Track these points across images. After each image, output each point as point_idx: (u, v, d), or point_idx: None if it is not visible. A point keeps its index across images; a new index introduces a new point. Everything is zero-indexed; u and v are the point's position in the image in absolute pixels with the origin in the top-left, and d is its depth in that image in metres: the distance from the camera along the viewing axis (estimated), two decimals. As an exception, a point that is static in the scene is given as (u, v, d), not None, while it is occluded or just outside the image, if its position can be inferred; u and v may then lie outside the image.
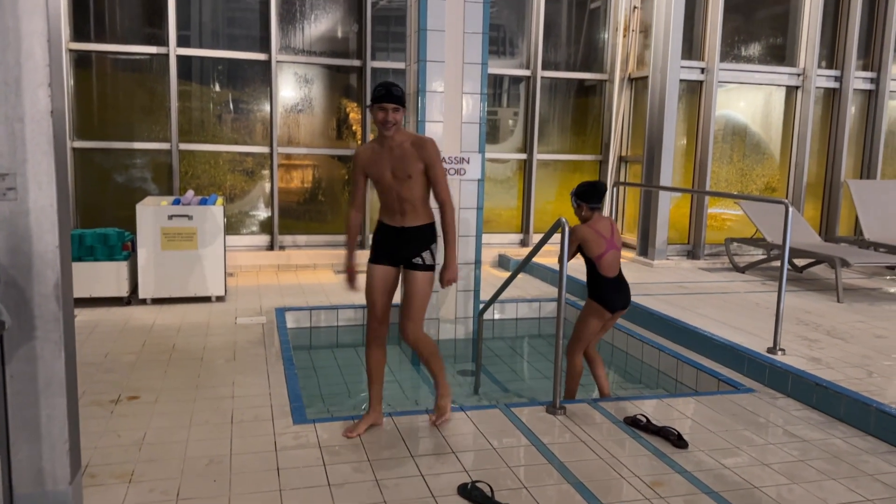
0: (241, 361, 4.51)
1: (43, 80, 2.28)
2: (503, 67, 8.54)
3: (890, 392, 3.91)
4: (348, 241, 3.62)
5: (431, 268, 3.50)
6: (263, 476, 2.99)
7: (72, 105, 7.25)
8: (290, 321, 5.63)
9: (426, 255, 3.48)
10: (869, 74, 8.68)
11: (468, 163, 5.51)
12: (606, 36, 8.80)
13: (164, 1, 7.30)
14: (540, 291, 6.69)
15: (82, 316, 5.50)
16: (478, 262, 5.67)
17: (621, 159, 8.82)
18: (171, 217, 5.86)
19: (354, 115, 8.05)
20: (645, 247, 8.05)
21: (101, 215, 7.38)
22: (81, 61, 7.30)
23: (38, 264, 2.36)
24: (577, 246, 4.14)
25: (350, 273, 3.59)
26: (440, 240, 3.52)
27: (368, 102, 3.51)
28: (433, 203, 3.47)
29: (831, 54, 8.67)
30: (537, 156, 8.62)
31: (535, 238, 8.52)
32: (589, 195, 4.10)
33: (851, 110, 8.65)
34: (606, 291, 4.15)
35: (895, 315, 5.76)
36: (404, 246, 3.46)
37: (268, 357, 4.60)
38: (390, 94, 3.30)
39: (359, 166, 3.48)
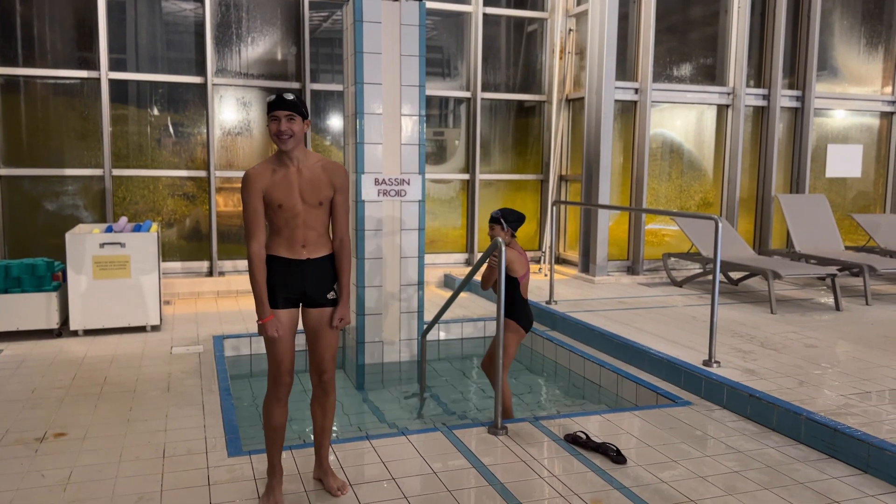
0: (175, 393, 4.38)
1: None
2: (444, 89, 8.61)
3: (819, 401, 4.03)
4: (260, 281, 2.92)
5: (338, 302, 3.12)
6: (195, 512, 2.90)
7: (-3, 131, 7.01)
8: (229, 349, 5.51)
9: (335, 287, 3.10)
10: (795, 93, 9.04)
11: (409, 184, 5.52)
12: (544, 58, 8.96)
13: (94, 25, 7.14)
14: (485, 311, 6.70)
15: (9, 350, 5.28)
16: (421, 284, 5.65)
17: (561, 178, 8.95)
18: (102, 245, 5.68)
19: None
20: (586, 263, 8.17)
21: (31, 245, 7.13)
22: (8, 86, 7.07)
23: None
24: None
25: (269, 319, 2.93)
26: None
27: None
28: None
29: (759, 74, 9.00)
30: (480, 176, 8.69)
31: (478, 258, 8.56)
32: (517, 223, 4.38)
33: (780, 127, 8.98)
34: (523, 310, 4.38)
35: (825, 325, 5.96)
36: (311, 280, 3.01)
37: (204, 387, 4.47)
38: (282, 101, 2.89)
39: (257, 189, 2.90)
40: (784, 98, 8.94)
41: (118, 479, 3.19)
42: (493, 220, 4.35)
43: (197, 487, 3.11)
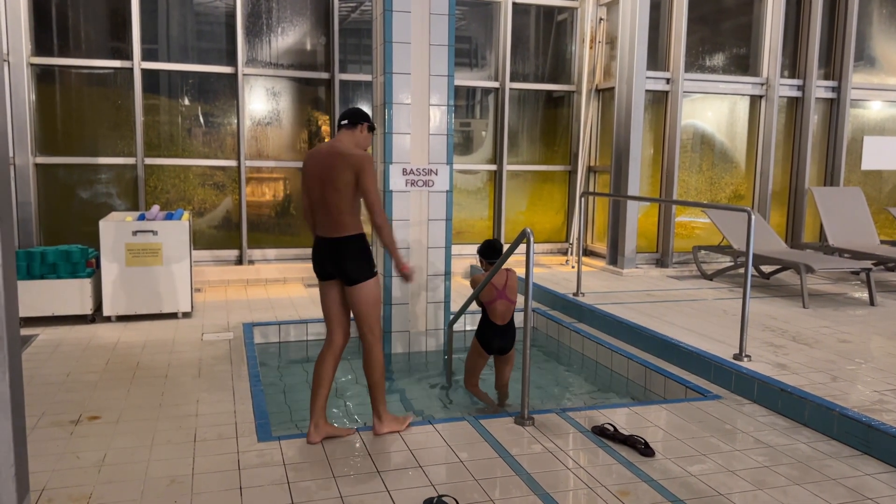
0: (206, 378, 4.44)
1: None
2: (472, 79, 8.58)
3: (853, 396, 3.96)
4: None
5: None
6: (225, 496, 2.94)
7: (33, 120, 7.14)
8: (258, 336, 5.57)
9: None
10: (830, 83, 8.85)
11: (436, 174, 5.51)
12: (573, 47, 8.88)
13: (127, 15, 7.24)
14: (511, 302, 6.67)
15: (44, 335, 5.39)
16: (448, 274, 5.66)
17: (590, 169, 8.88)
18: (135, 233, 5.77)
19: (325, 127, 8.03)
20: (614, 256, 8.10)
21: (65, 232, 7.26)
22: (44, 76, 7.19)
23: (-20, 284, 2.29)
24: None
25: None
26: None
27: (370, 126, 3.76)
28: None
29: (793, 64, 8.83)
30: (507, 166, 8.66)
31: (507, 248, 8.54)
32: (487, 252, 4.74)
33: (814, 119, 8.81)
34: (488, 334, 4.58)
35: (859, 320, 5.85)
36: None
37: (234, 373, 4.53)
38: None
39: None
40: (819, 89, 8.76)
41: (151, 461, 3.25)
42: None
43: (227, 471, 3.16)
